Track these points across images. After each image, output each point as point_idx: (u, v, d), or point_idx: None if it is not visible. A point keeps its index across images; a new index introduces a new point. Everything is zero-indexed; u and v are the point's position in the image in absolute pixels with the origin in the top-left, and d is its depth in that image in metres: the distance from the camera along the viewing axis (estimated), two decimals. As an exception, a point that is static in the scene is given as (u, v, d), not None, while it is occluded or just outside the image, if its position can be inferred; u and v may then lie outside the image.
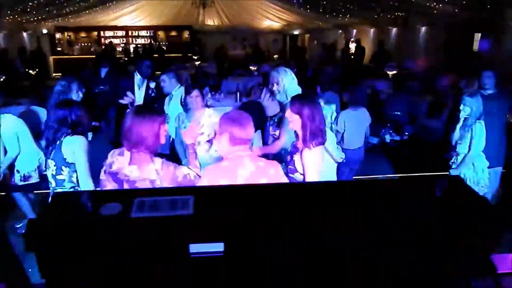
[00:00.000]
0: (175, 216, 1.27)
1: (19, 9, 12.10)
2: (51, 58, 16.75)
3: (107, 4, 15.16)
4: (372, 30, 16.32)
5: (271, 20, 20.20)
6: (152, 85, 5.68)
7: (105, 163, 2.51)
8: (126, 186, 2.40)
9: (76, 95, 4.01)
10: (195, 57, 16.33)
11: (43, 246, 1.18)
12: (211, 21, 20.32)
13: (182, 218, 1.26)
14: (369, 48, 15.53)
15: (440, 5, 9.96)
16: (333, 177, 3.73)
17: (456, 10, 9.90)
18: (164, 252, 1.22)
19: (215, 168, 2.33)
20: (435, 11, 10.65)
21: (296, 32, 21.27)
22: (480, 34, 10.22)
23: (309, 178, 2.63)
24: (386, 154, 6.96)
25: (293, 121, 2.71)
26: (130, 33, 19.08)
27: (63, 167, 3.03)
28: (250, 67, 12.89)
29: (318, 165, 2.66)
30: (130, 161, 2.41)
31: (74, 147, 2.97)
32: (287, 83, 3.73)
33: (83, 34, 18.80)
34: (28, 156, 4.16)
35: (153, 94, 5.64)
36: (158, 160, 2.43)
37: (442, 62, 10.61)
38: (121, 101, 4.65)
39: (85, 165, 2.99)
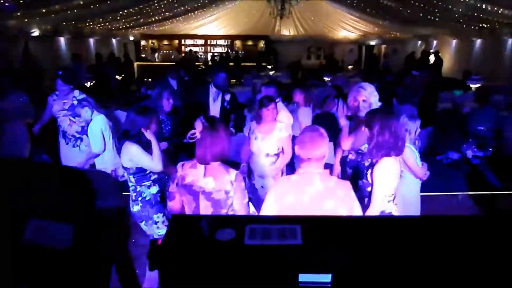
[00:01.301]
0: (285, 245, 1.35)
1: (110, 17, 13.36)
2: (135, 64, 18.04)
3: (189, 14, 16.17)
4: (454, 41, 15.49)
5: (347, 30, 20.02)
6: (227, 97, 5.57)
7: (174, 176, 2.56)
8: (201, 198, 2.48)
9: (167, 103, 4.31)
10: (269, 67, 16.79)
11: (167, 267, 1.32)
12: (287, 31, 20.68)
13: (292, 247, 1.34)
14: (448, 59, 14.77)
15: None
16: (416, 194, 3.78)
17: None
18: (275, 280, 1.30)
19: (284, 180, 2.40)
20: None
21: (372, 43, 20.83)
22: None
23: (376, 191, 2.64)
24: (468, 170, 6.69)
25: (363, 132, 2.82)
26: (208, 42, 20.15)
27: (125, 172, 3.22)
28: (324, 78, 12.94)
29: (385, 178, 2.66)
30: (205, 173, 2.47)
31: (130, 155, 3.10)
32: (374, 101, 3.67)
33: (165, 42, 20.11)
34: (107, 157, 4.33)
35: (227, 107, 5.44)
36: (233, 172, 2.50)
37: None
38: None
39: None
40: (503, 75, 11.36)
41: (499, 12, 9.69)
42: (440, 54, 13.97)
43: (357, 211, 2.26)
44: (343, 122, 4.00)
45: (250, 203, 2.78)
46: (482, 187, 5.80)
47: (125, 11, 12.50)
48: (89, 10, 10.94)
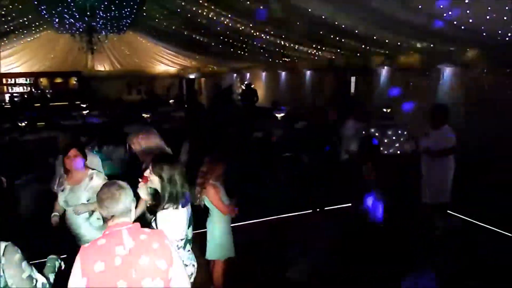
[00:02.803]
0: None
1: None
2: None
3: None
4: (264, 74, 16.98)
5: (166, 64, 20.01)
6: None
7: None
8: None
9: None
10: (84, 105, 15.26)
11: None
12: (102, 67, 19.41)
13: None
14: (261, 90, 16.08)
15: (320, 52, 10.71)
16: (226, 231, 3.66)
17: (333, 57, 10.72)
18: None
19: (90, 246, 1.99)
20: (316, 57, 11.42)
21: (192, 76, 21.30)
22: (355, 78, 11.24)
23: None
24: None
25: (153, 181, 2.58)
26: (4, 81, 17.15)
27: None
28: (143, 114, 12.32)
29: (175, 226, 2.52)
30: None
31: None
32: (146, 144, 3.52)
33: None
34: None
35: None
36: (1, 244, 2.04)
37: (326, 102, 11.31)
38: None
39: None
40: (305, 103, 12.83)
41: (296, 48, 10.94)
42: (253, 86, 15.04)
43: (176, 258, 2.07)
44: None
45: (38, 275, 2.23)
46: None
47: None
48: None
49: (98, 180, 3.43)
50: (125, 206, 2.05)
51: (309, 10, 7.04)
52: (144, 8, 12.00)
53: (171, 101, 17.54)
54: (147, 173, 2.61)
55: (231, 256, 3.69)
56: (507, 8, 4.32)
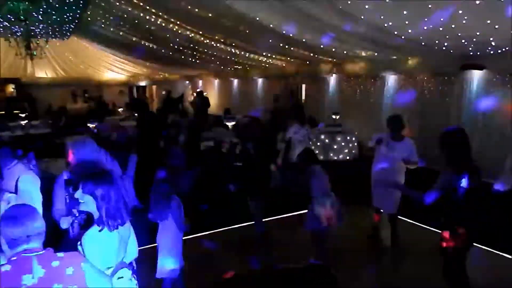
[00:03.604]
0: None
1: None
2: None
3: None
4: (216, 81, 16.84)
5: (114, 71, 19.32)
6: None
7: None
8: None
9: None
10: (23, 115, 14.30)
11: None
12: (43, 73, 18.38)
13: None
14: (213, 98, 15.95)
15: (270, 60, 10.76)
16: (178, 245, 3.49)
17: (284, 65, 10.82)
18: None
19: None
20: (267, 65, 11.47)
21: (143, 84, 20.70)
22: (304, 85, 11.42)
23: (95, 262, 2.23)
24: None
25: (85, 202, 2.36)
26: None
27: None
28: (88, 124, 11.71)
29: (101, 251, 2.30)
30: None
31: None
32: (83, 155, 3.14)
33: None
34: None
35: None
36: None
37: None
38: None
39: None
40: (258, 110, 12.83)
41: (247, 56, 10.91)
42: (205, 94, 14.84)
43: (92, 283, 1.95)
44: None
45: None
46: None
47: None
48: None
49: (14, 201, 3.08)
50: (32, 231, 1.88)
51: (257, 19, 7.02)
52: (89, 13, 11.49)
53: (120, 109, 16.87)
54: (77, 194, 2.38)
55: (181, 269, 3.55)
56: (441, 19, 4.51)
